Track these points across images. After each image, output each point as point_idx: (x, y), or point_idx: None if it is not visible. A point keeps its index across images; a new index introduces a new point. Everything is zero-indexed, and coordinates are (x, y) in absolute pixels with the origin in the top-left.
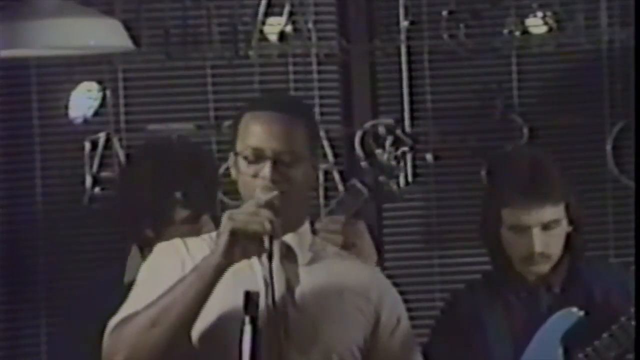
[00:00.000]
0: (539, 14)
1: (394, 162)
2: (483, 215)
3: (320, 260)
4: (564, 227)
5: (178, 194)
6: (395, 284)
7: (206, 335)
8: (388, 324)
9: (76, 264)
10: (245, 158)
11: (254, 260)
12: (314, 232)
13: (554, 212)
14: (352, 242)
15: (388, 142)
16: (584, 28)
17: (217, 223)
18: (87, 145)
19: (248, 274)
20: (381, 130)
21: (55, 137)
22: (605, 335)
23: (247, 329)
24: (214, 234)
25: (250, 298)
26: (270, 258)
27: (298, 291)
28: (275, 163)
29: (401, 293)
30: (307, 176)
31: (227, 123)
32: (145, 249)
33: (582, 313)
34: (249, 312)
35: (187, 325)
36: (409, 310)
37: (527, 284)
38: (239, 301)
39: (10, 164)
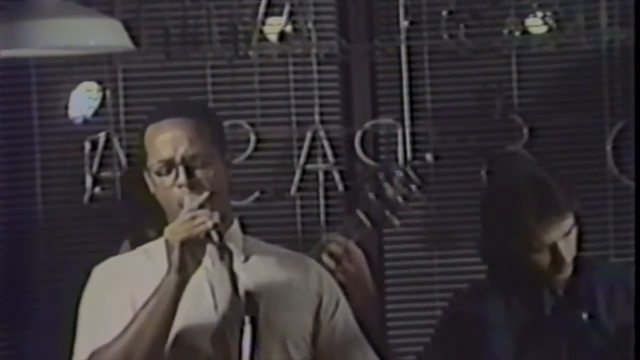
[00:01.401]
0: (539, 14)
1: (400, 199)
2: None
3: (254, 255)
4: (575, 229)
5: None
6: (396, 285)
7: (170, 350)
8: (329, 306)
9: (76, 264)
10: (158, 172)
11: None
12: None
13: (569, 220)
14: (347, 268)
15: (397, 179)
16: (584, 28)
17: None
18: (87, 145)
19: (192, 282)
20: (394, 166)
21: (55, 137)
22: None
23: (247, 328)
24: (148, 245)
25: (250, 298)
26: (223, 251)
27: (241, 288)
28: (188, 168)
29: (401, 293)
30: (222, 174)
31: None
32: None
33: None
34: (249, 312)
35: (159, 350)
36: (409, 310)
37: (530, 286)
38: (191, 311)
39: (10, 164)
